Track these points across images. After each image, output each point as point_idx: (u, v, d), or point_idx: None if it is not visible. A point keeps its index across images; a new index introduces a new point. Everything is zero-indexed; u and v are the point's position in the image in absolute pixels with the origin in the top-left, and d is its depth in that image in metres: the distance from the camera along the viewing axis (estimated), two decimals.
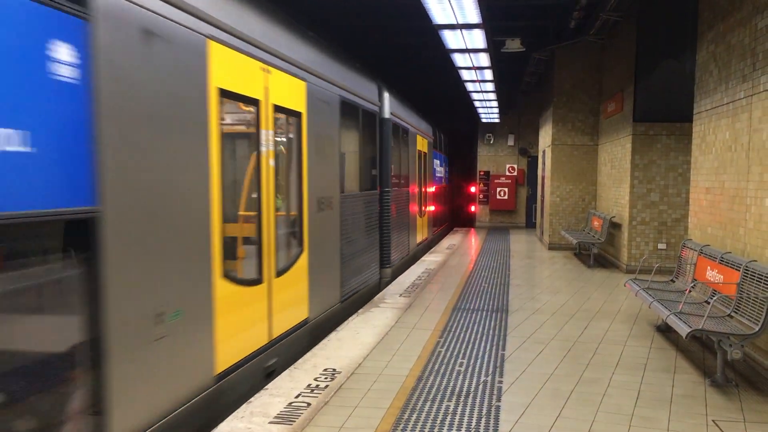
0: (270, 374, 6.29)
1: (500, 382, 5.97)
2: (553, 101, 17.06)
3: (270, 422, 4.93)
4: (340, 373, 6.17)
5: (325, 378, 6.00)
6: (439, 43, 11.18)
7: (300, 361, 6.54)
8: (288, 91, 6.81)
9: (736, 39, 7.34)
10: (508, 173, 24.70)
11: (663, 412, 5.25)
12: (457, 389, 5.74)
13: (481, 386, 5.83)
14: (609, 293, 10.60)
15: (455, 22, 9.55)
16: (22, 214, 3.23)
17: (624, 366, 6.53)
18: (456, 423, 4.97)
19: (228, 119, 6.35)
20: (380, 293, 10.39)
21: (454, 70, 14.29)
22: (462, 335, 7.67)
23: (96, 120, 3.74)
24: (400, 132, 13.27)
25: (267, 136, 6.27)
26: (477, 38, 10.64)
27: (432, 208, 19.40)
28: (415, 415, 5.12)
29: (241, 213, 6.46)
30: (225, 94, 5.37)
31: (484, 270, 13.13)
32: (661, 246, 12.51)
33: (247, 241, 6.43)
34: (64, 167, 3.52)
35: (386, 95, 12.04)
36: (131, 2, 4.05)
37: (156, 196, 4.37)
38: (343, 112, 8.89)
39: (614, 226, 13.77)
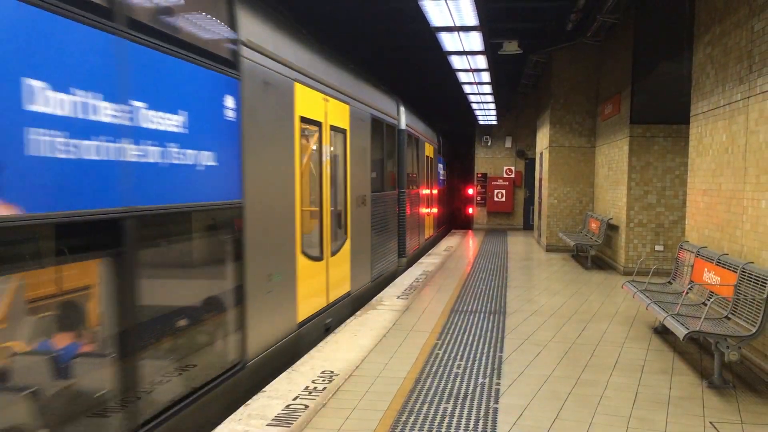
0: (327, 329, 8.12)
1: (498, 384, 5.97)
2: (550, 103, 17.09)
3: (268, 425, 4.92)
4: (337, 375, 6.17)
5: (323, 380, 6.00)
6: (437, 45, 11.19)
7: (297, 363, 6.54)
8: (338, 113, 8.83)
9: (732, 41, 7.36)
10: (505, 175, 24.72)
11: (660, 414, 5.25)
12: (455, 391, 5.74)
13: (478, 388, 5.83)
14: (606, 295, 10.61)
15: (453, 25, 9.56)
16: (214, 204, 5.13)
17: (621, 368, 6.54)
18: (454, 425, 4.97)
19: (304, 138, 7.76)
20: (378, 295, 10.42)
21: (451, 73, 14.31)
22: (460, 337, 7.67)
23: (241, 143, 5.57)
24: (413, 141, 15.14)
25: (327, 149, 8.26)
26: (474, 41, 10.65)
27: (436, 209, 20.44)
28: (412, 418, 5.12)
29: (311, 207, 8.08)
30: (303, 120, 7.28)
31: (481, 272, 13.14)
32: (658, 248, 12.52)
33: (312, 227, 8.14)
34: (231, 174, 5.43)
35: (402, 109, 13.88)
36: (258, 64, 5.96)
37: (268, 193, 6.23)
38: (372, 127, 10.84)
39: (611, 228, 13.78)
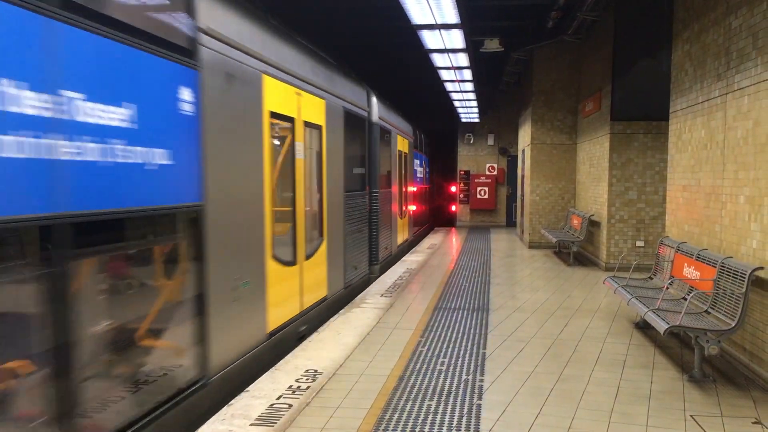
0: (301, 338, 7.71)
1: (481, 380, 5.99)
2: (532, 101, 17.17)
3: (251, 424, 4.90)
4: (321, 374, 6.16)
5: (307, 379, 5.98)
6: (419, 43, 11.19)
7: (281, 362, 6.51)
8: (313, 108, 8.41)
9: (710, 38, 7.44)
10: (488, 172, 24.81)
11: (642, 408, 5.30)
12: (439, 388, 5.75)
13: (462, 385, 5.85)
14: (588, 291, 10.69)
15: (434, 23, 9.56)
16: (168, 207, 4.74)
17: (603, 363, 6.59)
18: (437, 422, 4.98)
19: (275, 134, 7.40)
20: (363, 291, 10.38)
21: (433, 71, 14.32)
22: (443, 334, 7.68)
23: (201, 140, 5.20)
24: (386, 135, 13.83)
25: (299, 147, 7.83)
26: (456, 38, 10.67)
27: (413, 207, 19.55)
28: (396, 415, 5.12)
29: (282, 208, 7.62)
30: (273, 115, 6.91)
31: (465, 269, 13.18)
32: (639, 243, 12.64)
33: (285, 229, 7.71)
34: (190, 174, 5.04)
35: (374, 100, 12.63)
36: (220, 54, 5.59)
37: (234, 194, 5.88)
38: (345, 121, 10.13)
39: (593, 225, 13.89)
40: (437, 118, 25.88)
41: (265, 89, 6.65)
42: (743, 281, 5.86)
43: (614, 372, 6.27)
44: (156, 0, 5.06)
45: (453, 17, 9.25)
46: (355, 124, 11.04)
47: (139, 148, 4.27)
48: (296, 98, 7.67)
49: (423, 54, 12.34)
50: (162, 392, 4.73)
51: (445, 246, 17.93)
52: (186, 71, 4.95)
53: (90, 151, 3.77)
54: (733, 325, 5.84)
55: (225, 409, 5.22)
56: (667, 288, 7.70)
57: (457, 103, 19.93)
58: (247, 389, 5.70)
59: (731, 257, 6.50)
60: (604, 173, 12.98)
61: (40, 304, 3.45)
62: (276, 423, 4.94)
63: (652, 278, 8.64)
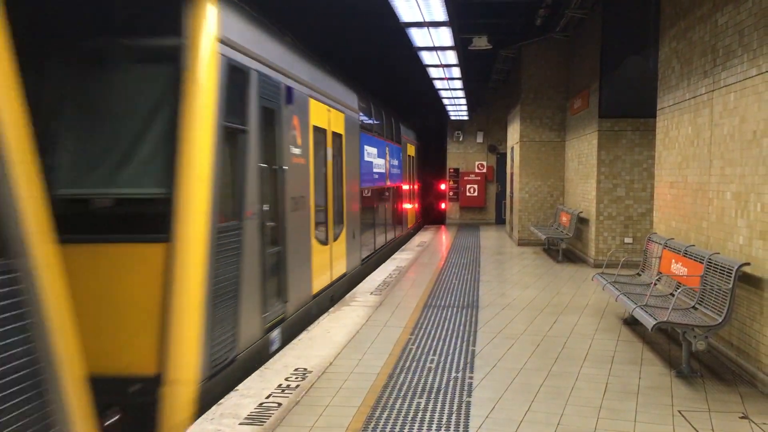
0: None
1: (471, 377, 6.00)
2: (520, 98, 17.20)
3: (240, 423, 4.88)
4: (311, 372, 6.14)
5: (296, 378, 5.97)
6: (408, 41, 11.18)
7: (270, 361, 6.49)
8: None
9: (697, 36, 7.47)
10: (477, 170, 24.84)
11: (630, 404, 5.33)
12: (428, 386, 5.76)
13: (451, 382, 5.85)
14: (577, 288, 10.73)
15: (422, 20, 9.56)
16: None
17: (592, 359, 6.62)
18: (427, 419, 4.98)
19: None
20: (351, 291, 10.38)
21: (422, 68, 14.31)
22: (433, 332, 7.69)
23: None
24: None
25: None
26: (444, 36, 10.66)
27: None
28: (386, 413, 5.12)
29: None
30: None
31: (454, 267, 13.19)
32: (627, 240, 12.70)
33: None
34: None
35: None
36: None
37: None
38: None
39: (582, 222, 13.94)
40: (427, 116, 25.89)
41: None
42: (730, 277, 5.90)
43: (603, 368, 6.30)
44: None
45: (441, 15, 9.25)
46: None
47: None
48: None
49: (413, 52, 12.32)
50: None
51: (435, 244, 17.95)
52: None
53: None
54: (720, 320, 5.87)
55: (214, 408, 5.20)
56: (655, 284, 7.74)
57: (446, 101, 19.94)
58: (236, 388, 5.68)
59: (718, 253, 6.54)
60: (593, 170, 13.03)
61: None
62: (265, 422, 4.92)
63: (640, 275, 8.68)
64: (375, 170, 14.50)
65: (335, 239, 10.43)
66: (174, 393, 5.09)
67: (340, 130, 10.65)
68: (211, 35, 5.63)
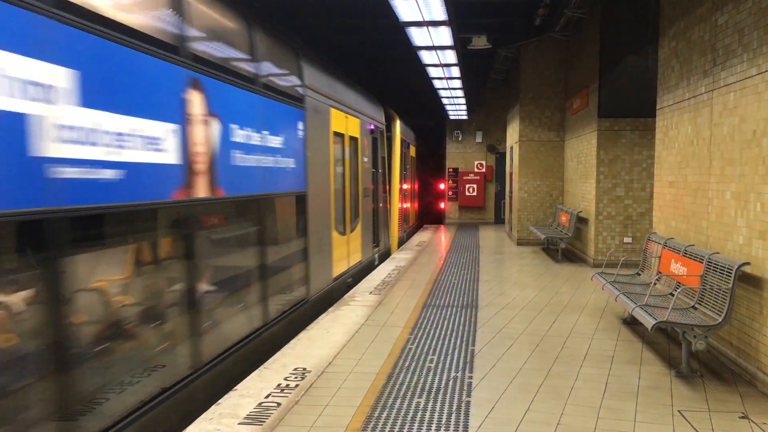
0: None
1: (470, 377, 5.99)
2: (519, 98, 17.19)
3: (240, 423, 4.87)
4: (310, 372, 6.14)
5: (295, 377, 5.96)
6: (407, 40, 11.17)
7: (269, 360, 6.48)
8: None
9: (696, 35, 7.47)
10: (476, 170, 24.83)
11: (630, 404, 5.32)
12: (428, 386, 5.75)
13: (451, 382, 5.85)
14: (577, 287, 10.73)
15: (422, 20, 9.54)
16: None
17: (592, 359, 6.61)
18: (426, 419, 4.98)
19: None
20: (350, 291, 10.40)
21: (421, 68, 14.29)
22: (432, 332, 7.68)
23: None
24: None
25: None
26: (443, 35, 10.65)
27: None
28: (385, 413, 5.11)
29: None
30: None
31: (453, 266, 13.19)
32: (626, 240, 12.69)
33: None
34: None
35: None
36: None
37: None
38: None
39: (581, 221, 13.93)
40: (426, 115, 25.87)
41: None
42: (730, 277, 5.89)
43: (602, 368, 6.30)
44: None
45: (441, 14, 9.23)
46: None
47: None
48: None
49: (412, 52, 12.30)
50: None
51: (434, 243, 17.94)
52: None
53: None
54: (720, 320, 5.87)
55: (213, 408, 5.19)
56: (655, 284, 7.74)
57: (445, 101, 19.91)
58: (235, 388, 5.67)
59: (718, 253, 6.54)
60: (592, 170, 13.03)
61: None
62: (265, 421, 4.91)
63: (639, 274, 8.68)
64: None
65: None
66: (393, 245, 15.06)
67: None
68: (398, 130, 16.11)
